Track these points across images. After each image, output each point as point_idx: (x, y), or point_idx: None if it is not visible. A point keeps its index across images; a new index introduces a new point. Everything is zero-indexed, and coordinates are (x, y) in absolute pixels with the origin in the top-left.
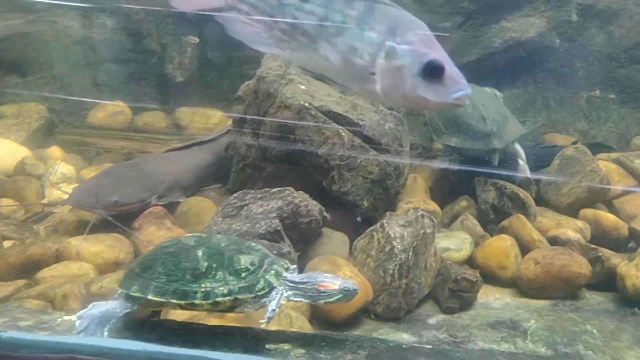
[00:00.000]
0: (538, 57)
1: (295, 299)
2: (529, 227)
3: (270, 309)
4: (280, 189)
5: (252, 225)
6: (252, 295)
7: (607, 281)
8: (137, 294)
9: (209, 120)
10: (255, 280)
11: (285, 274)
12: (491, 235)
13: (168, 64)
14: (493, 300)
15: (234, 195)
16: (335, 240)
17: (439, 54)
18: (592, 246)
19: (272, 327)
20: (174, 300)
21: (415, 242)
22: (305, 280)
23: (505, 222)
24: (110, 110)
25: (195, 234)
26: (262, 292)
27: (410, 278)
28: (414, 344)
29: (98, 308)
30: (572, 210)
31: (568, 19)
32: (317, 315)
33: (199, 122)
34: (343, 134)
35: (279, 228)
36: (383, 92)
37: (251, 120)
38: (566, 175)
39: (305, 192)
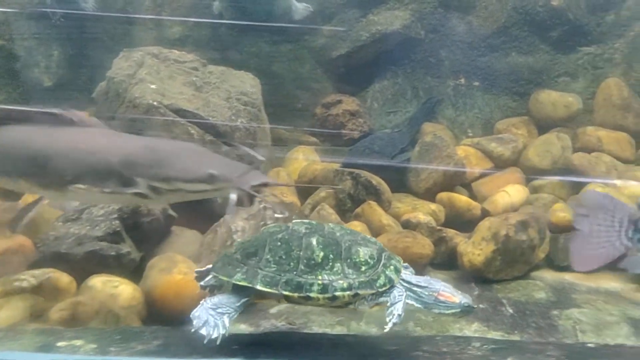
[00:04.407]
0: (405, 49)
1: (407, 301)
2: (379, 212)
3: (396, 314)
4: None
5: (92, 228)
6: (373, 291)
7: (450, 259)
8: (243, 283)
9: None
10: (376, 275)
11: (403, 271)
12: (346, 222)
13: (34, 68)
14: None
15: None
16: (184, 238)
17: None
18: (438, 227)
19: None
20: (286, 292)
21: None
22: (422, 284)
23: (358, 209)
24: None
25: (305, 220)
26: (383, 289)
27: None
28: None
29: (210, 301)
30: (430, 194)
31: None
32: (155, 311)
33: None
34: (192, 130)
35: (118, 229)
36: None
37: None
38: (426, 161)
39: None
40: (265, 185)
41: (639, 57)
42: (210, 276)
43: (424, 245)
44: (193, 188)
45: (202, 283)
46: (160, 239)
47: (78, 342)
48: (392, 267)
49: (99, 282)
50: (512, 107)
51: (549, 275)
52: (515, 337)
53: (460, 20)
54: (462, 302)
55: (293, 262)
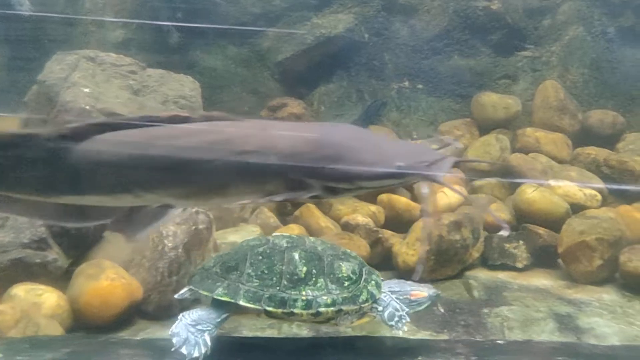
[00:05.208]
0: (350, 52)
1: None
2: (317, 215)
3: (402, 313)
4: None
5: (17, 235)
6: (356, 307)
7: (386, 260)
8: (225, 298)
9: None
10: (359, 291)
11: (382, 284)
12: (284, 225)
13: None
14: None
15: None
16: (116, 243)
17: None
18: (375, 229)
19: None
20: (269, 308)
21: (187, 239)
22: (395, 288)
23: (297, 212)
24: None
25: (285, 234)
26: (366, 305)
27: (181, 275)
28: (126, 338)
29: (189, 317)
30: (372, 196)
31: (375, 13)
32: (82, 319)
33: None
34: None
35: (44, 236)
36: None
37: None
38: None
39: None
40: (455, 166)
41: (574, 60)
42: (185, 289)
43: (360, 247)
44: (378, 185)
45: (176, 296)
46: (91, 244)
47: None
48: (373, 283)
49: (22, 290)
50: (455, 109)
51: (482, 274)
52: (444, 336)
53: (404, 24)
54: (431, 293)
55: (276, 277)
